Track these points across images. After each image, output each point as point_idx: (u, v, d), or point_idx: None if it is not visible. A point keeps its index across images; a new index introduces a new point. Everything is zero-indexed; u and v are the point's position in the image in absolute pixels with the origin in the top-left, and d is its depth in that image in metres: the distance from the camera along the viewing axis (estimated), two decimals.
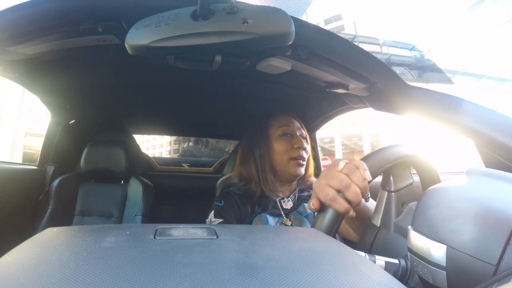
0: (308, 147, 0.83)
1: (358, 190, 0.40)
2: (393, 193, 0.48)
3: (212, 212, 0.76)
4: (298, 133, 0.83)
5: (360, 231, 0.55)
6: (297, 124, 0.85)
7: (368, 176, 0.41)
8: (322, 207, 0.42)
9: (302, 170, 0.80)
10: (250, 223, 0.75)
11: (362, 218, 0.55)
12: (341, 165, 0.42)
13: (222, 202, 0.77)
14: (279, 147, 0.80)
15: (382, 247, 0.46)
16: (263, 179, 0.79)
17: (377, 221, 0.49)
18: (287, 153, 0.79)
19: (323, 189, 0.42)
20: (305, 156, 0.81)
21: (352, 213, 0.41)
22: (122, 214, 1.14)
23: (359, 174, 0.41)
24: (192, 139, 3.79)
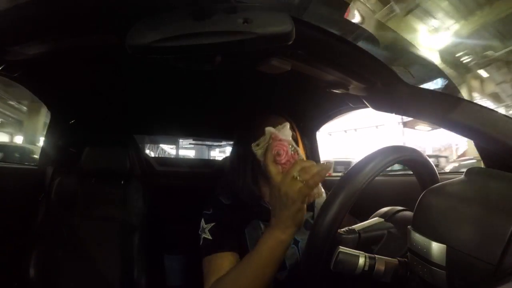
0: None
1: None
2: None
3: (203, 220, 0.74)
4: None
5: None
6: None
7: None
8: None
9: None
10: (243, 230, 0.73)
11: None
12: None
13: (211, 210, 0.75)
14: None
15: None
16: (243, 187, 0.74)
17: None
18: None
19: None
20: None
21: None
22: (122, 215, 1.14)
23: None
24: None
